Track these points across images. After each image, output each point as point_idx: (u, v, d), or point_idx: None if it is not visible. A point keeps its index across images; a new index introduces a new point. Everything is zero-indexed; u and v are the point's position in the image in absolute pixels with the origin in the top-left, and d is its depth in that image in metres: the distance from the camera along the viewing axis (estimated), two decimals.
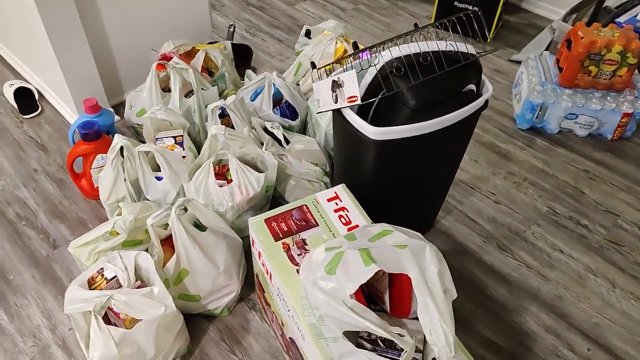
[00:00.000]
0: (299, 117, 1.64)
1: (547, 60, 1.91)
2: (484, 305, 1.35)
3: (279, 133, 1.49)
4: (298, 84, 1.75)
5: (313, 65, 1.17)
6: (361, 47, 1.80)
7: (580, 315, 1.33)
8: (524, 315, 1.33)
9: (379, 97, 1.07)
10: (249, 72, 1.75)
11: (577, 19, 2.12)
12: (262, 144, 1.47)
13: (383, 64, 1.06)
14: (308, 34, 1.96)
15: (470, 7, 2.27)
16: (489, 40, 2.34)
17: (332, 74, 1.13)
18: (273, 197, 1.53)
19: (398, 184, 1.25)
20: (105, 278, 1.12)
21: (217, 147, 1.40)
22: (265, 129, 1.54)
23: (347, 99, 1.08)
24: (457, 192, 1.64)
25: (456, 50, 1.07)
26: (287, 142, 1.53)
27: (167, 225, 1.22)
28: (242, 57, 2.11)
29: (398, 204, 1.32)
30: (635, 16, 1.99)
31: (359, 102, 1.06)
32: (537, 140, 1.84)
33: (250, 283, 1.35)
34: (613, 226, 1.56)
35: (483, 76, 1.17)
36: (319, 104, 1.20)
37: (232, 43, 2.10)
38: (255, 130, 1.54)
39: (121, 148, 1.32)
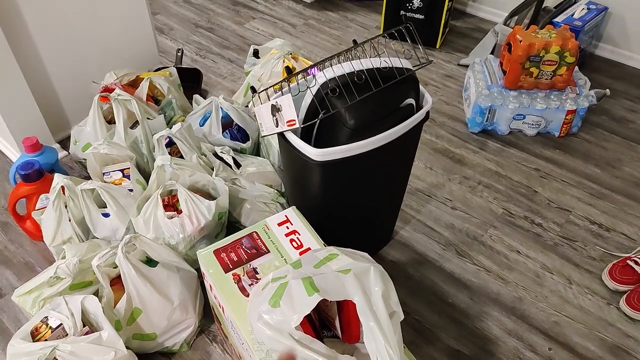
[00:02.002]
0: (250, 139, 1.63)
1: (492, 63, 1.95)
2: (447, 314, 1.35)
3: (228, 157, 1.47)
4: (247, 106, 1.73)
5: (253, 90, 1.16)
6: (304, 66, 1.80)
7: (539, 315, 1.35)
8: (486, 320, 1.34)
9: (318, 119, 1.06)
10: (196, 97, 1.73)
11: (518, 21, 2.18)
12: (213, 170, 1.44)
13: (318, 87, 1.05)
14: (256, 54, 1.95)
15: (416, 16, 2.31)
16: (437, 46, 2.38)
17: (271, 98, 1.12)
18: (229, 222, 1.50)
19: (348, 202, 1.24)
20: (50, 327, 1.08)
21: (165, 177, 1.37)
22: (215, 154, 1.52)
23: (287, 122, 1.07)
24: (414, 201, 1.65)
25: (391, 66, 1.08)
26: (239, 165, 1.51)
27: (115, 264, 1.18)
28: (193, 81, 2.09)
29: (351, 222, 1.31)
30: (572, 15, 2.05)
31: (297, 125, 1.05)
32: (489, 143, 1.87)
33: (209, 314, 1.32)
34: (566, 222, 1.59)
35: (422, 88, 1.19)
36: (262, 127, 1.19)
37: (180, 67, 2.07)
38: (206, 156, 1.52)
39: (62, 187, 1.27)
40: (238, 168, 1.50)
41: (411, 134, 1.16)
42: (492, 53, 2.19)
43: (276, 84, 1.16)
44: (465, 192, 1.69)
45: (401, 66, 1.10)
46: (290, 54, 1.81)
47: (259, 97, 1.17)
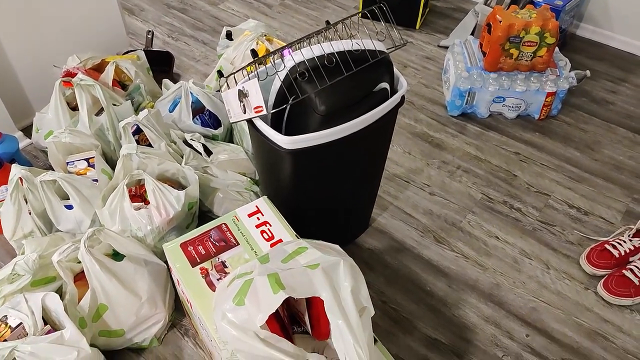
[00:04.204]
0: (223, 125, 1.57)
1: (471, 45, 1.90)
2: (424, 302, 1.33)
3: (198, 145, 1.42)
4: (219, 90, 1.67)
5: (220, 74, 1.10)
6: (267, 51, 1.74)
7: (517, 302, 1.33)
8: (464, 307, 1.32)
9: (287, 105, 1.01)
10: (166, 81, 1.66)
11: (499, 1, 2.13)
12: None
13: (287, 71, 1.00)
14: (229, 36, 1.88)
15: None
16: (417, 27, 2.32)
17: (238, 83, 1.06)
18: (202, 212, 1.46)
19: (321, 191, 1.20)
20: (10, 326, 1.03)
21: (132, 167, 1.31)
22: (185, 141, 1.46)
23: (254, 109, 1.02)
24: (392, 187, 1.62)
25: (363, 49, 1.03)
26: (210, 153, 1.46)
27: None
28: (164, 65, 2.01)
29: (326, 210, 1.27)
30: None
31: (264, 112, 1.00)
32: (469, 126, 1.84)
33: (181, 307, 1.27)
34: (545, 207, 1.57)
35: (397, 72, 1.14)
36: (229, 114, 1.13)
37: (151, 50, 1.99)
38: (175, 143, 1.46)
39: (20, 179, 1.21)
40: (209, 156, 1.44)
41: (386, 119, 1.12)
42: (472, 34, 2.15)
43: (245, 66, 1.10)
44: (444, 177, 1.66)
45: (374, 49, 1.05)
46: (265, 35, 1.74)
47: (227, 81, 1.11)
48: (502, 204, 1.58)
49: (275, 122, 1.11)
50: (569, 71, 1.84)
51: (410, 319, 1.29)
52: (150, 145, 1.41)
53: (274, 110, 1.03)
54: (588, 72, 1.91)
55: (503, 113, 1.87)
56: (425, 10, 2.32)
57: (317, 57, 1.00)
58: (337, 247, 0.89)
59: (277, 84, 1.05)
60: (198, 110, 1.57)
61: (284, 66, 1.01)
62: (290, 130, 1.09)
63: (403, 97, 1.14)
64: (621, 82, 2.05)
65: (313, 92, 1.00)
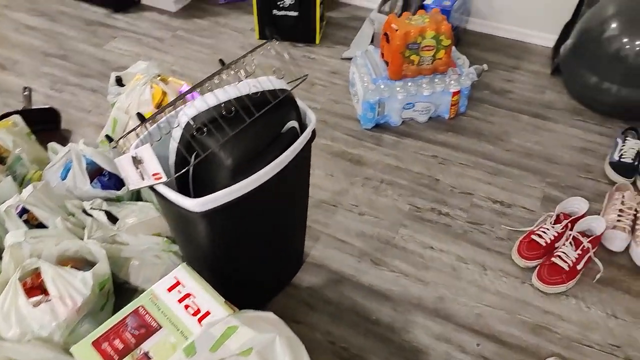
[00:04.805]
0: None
1: (373, 55, 1.90)
2: (373, 333, 1.28)
3: (99, 213, 1.27)
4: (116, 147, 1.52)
5: (109, 138, 0.97)
6: (175, 87, 1.62)
7: (462, 311, 1.32)
8: (413, 329, 1.29)
9: (189, 167, 0.91)
10: (52, 145, 1.48)
11: (392, 6, 2.16)
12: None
13: (182, 130, 0.90)
14: (119, 82, 1.72)
15: (290, 14, 2.20)
16: (317, 42, 2.29)
17: (131, 148, 0.95)
18: (118, 284, 1.30)
19: (245, 246, 1.11)
20: None
21: (23, 256, 1.14)
22: (85, 211, 1.30)
23: (152, 176, 0.90)
24: (320, 215, 1.56)
25: (262, 90, 0.95)
26: (116, 219, 1.31)
27: None
28: (50, 122, 1.81)
29: (254, 263, 1.18)
30: None
31: (164, 179, 0.89)
32: (384, 137, 1.83)
33: None
34: (470, 206, 1.59)
35: (303, 106, 1.08)
36: (127, 181, 1.01)
37: (31, 110, 1.79)
38: (74, 215, 1.29)
39: None
40: (115, 222, 1.29)
41: (300, 157, 1.05)
42: (372, 42, 2.16)
43: (134, 129, 0.98)
44: (370, 194, 1.63)
45: (274, 88, 0.98)
46: (159, 76, 1.62)
47: (117, 146, 0.99)
48: (430, 211, 1.58)
49: (181, 183, 1.00)
50: (469, 67, 1.89)
51: (361, 355, 1.23)
52: (42, 224, 1.23)
53: (175, 176, 0.92)
54: (485, 66, 1.97)
55: (415, 118, 1.88)
56: (322, 23, 2.30)
57: (213, 107, 0.91)
58: (271, 315, 0.81)
59: (174, 145, 0.94)
60: (95, 172, 1.42)
61: (178, 123, 0.91)
62: (199, 189, 0.98)
63: (314, 132, 1.07)
64: (514, 69, 2.15)
65: (216, 146, 0.91)
